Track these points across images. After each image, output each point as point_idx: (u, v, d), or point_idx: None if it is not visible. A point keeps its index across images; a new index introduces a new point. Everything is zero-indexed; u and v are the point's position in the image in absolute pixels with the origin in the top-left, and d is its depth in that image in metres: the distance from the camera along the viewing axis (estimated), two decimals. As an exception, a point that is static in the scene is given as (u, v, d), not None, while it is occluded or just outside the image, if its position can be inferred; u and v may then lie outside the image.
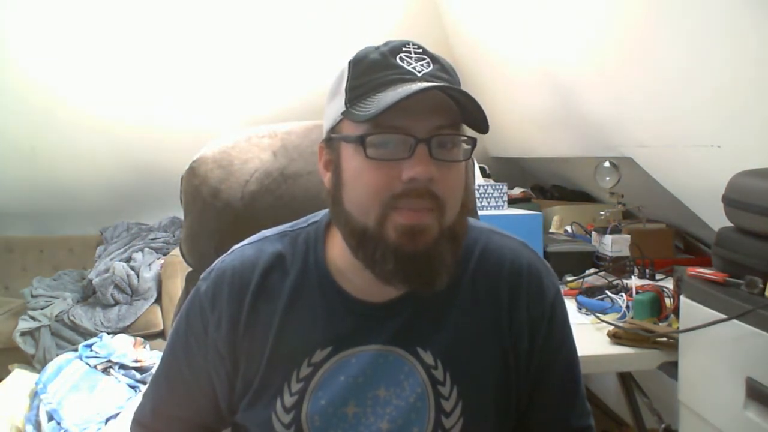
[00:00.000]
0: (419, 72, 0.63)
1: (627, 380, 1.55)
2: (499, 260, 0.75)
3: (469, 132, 0.67)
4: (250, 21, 2.67)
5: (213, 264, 0.77)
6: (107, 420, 2.02)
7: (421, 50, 0.66)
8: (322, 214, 0.77)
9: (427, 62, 0.65)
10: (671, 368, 1.12)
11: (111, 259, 2.85)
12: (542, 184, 2.97)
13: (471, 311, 0.72)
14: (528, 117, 2.41)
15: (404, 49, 0.65)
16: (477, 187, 1.97)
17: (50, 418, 2.00)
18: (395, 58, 0.64)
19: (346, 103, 0.64)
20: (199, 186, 0.99)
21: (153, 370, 0.81)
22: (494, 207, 1.98)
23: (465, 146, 0.66)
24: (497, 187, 2.00)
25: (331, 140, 0.68)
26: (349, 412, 0.69)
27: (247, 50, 2.74)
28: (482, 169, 2.50)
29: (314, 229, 0.76)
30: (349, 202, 0.65)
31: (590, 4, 1.53)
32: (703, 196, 1.53)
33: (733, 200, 0.96)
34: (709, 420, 0.95)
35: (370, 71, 0.64)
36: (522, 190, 2.65)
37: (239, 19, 2.66)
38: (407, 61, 0.64)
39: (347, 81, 0.65)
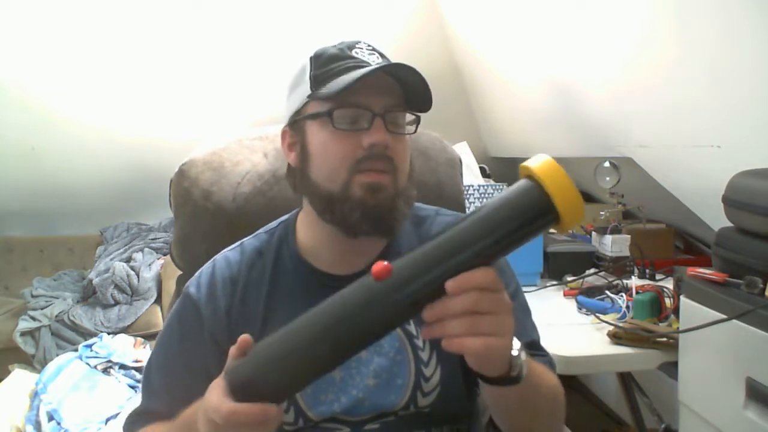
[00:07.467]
0: (373, 63, 0.75)
1: (627, 380, 1.55)
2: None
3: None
4: (251, 24, 2.67)
5: (198, 271, 0.84)
6: (107, 420, 2.02)
7: (371, 47, 0.78)
8: (291, 213, 0.87)
9: (377, 56, 0.77)
10: (671, 368, 1.12)
11: (111, 259, 2.85)
12: (542, 184, 2.96)
13: None
14: (528, 117, 2.41)
15: (357, 45, 0.77)
16: (477, 187, 1.97)
17: (50, 418, 2.00)
18: (351, 52, 0.76)
19: (311, 88, 0.75)
20: (190, 188, 0.99)
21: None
22: (494, 207, 1.97)
23: (408, 125, 0.78)
24: (497, 187, 2.00)
25: (296, 123, 0.79)
26: (336, 376, 0.77)
27: (249, 52, 2.74)
28: (482, 169, 2.48)
29: (285, 224, 0.86)
30: (316, 172, 0.76)
31: (590, 6, 1.53)
32: (703, 196, 1.53)
33: (733, 200, 0.96)
34: (709, 420, 0.95)
35: (329, 62, 0.75)
36: (522, 190, 2.63)
37: (241, 21, 2.66)
38: (361, 54, 0.76)
39: (310, 71, 0.76)
